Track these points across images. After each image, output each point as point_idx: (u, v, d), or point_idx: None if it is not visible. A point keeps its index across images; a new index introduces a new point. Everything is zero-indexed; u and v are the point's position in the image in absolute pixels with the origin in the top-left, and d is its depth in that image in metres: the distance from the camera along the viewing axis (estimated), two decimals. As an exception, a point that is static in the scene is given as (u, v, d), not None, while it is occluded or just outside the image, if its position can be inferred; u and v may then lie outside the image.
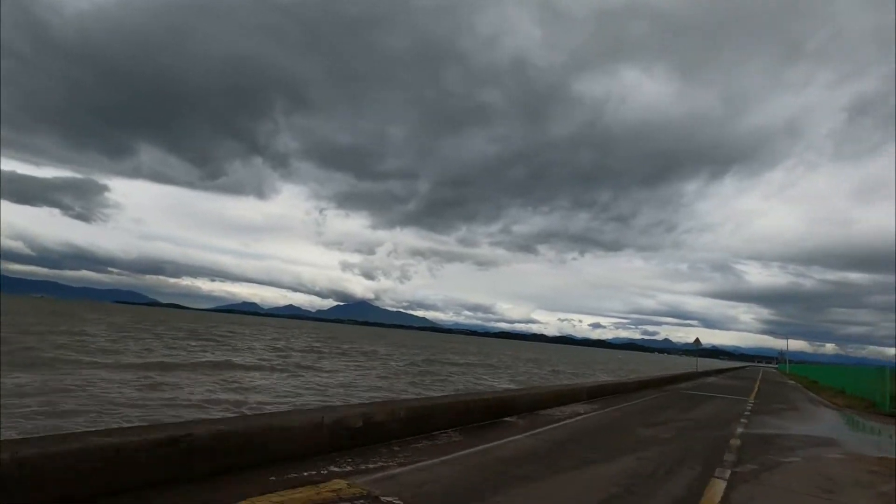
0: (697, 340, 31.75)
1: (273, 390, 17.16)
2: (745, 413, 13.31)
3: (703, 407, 14.22)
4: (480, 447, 6.47)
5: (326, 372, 24.91)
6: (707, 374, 36.38)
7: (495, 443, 6.83)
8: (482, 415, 8.36)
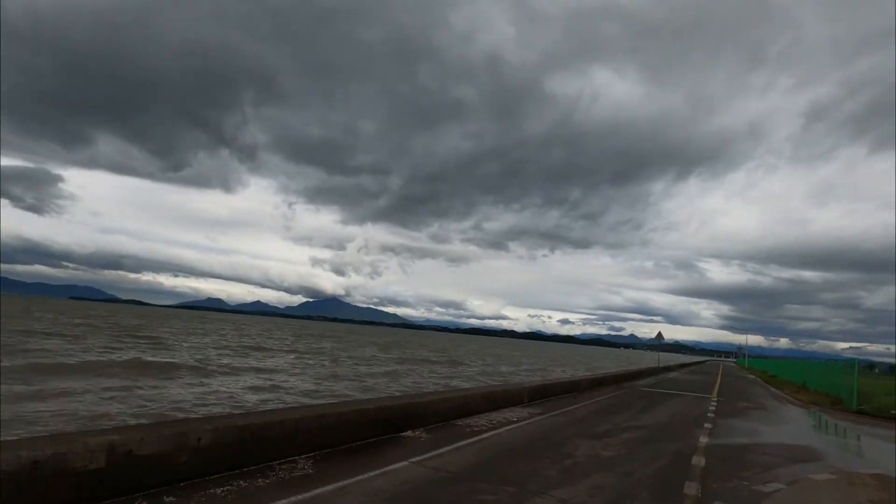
0: (660, 335, 30.54)
1: (167, 398, 14.46)
2: (709, 415, 11.57)
3: (662, 408, 12.46)
4: (329, 488, 4.29)
5: (259, 373, 22.28)
6: (669, 368, 35.36)
7: (360, 477, 4.66)
8: (368, 430, 6.18)
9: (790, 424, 11.92)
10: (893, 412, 14.70)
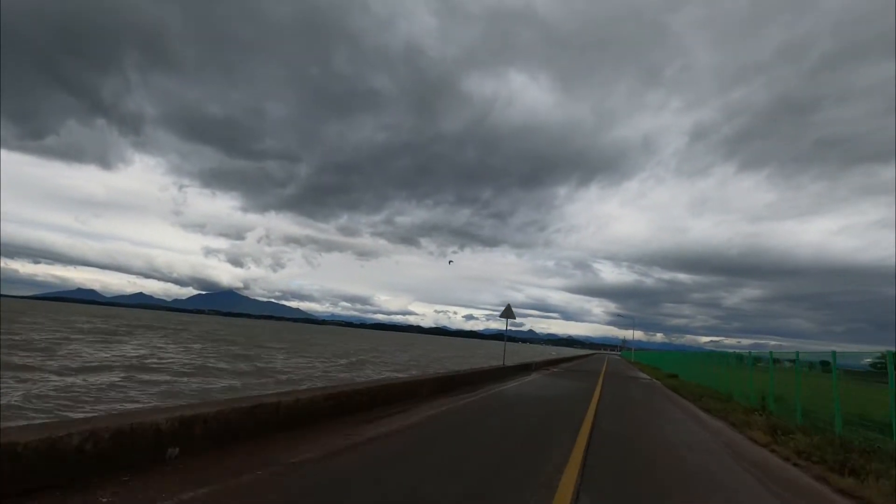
0: (508, 309, 17.79)
1: None
2: None
3: None
4: None
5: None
6: (527, 368, 22.60)
7: None
8: None
9: None
10: None
